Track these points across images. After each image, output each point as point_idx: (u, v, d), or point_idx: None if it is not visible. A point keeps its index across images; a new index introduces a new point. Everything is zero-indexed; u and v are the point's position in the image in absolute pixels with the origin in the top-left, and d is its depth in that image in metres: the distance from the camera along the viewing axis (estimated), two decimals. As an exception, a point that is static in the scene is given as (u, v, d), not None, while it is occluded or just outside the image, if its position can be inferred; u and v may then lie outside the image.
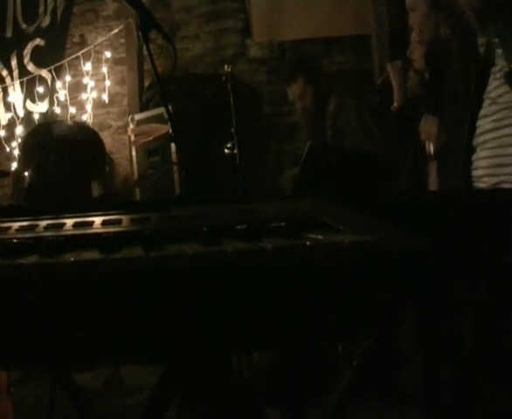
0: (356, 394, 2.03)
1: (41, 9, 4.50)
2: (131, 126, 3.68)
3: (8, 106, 4.42)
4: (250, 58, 4.35)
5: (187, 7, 4.46)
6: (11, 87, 4.41)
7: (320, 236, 0.82)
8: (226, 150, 3.88)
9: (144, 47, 2.28)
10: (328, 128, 3.38)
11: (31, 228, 1.00)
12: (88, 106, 4.30)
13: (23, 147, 3.54)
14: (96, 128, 3.60)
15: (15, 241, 0.90)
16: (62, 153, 2.96)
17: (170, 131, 2.17)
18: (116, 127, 4.47)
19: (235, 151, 3.78)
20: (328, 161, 2.71)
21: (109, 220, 1.01)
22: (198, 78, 4.32)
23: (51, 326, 0.75)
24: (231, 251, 0.75)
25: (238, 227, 0.86)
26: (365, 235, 0.80)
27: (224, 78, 3.54)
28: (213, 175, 3.98)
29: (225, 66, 3.54)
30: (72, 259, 0.75)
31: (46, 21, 4.47)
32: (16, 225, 1.03)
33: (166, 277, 0.74)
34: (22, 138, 3.96)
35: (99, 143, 3.05)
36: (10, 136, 4.34)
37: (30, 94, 4.34)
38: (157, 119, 3.31)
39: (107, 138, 3.70)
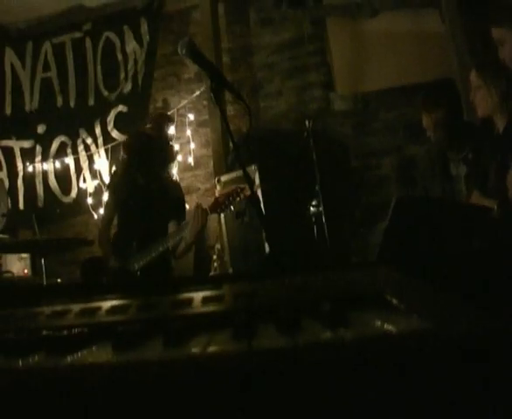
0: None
1: (122, 75, 6.09)
2: (218, 187, 4.73)
3: (94, 174, 5.95)
4: (334, 111, 5.52)
5: (268, 64, 5.77)
6: (96, 155, 5.99)
7: (371, 321, 0.91)
8: (312, 208, 5.19)
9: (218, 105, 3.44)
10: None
11: (92, 312, 1.17)
12: (174, 170, 5.57)
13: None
14: (184, 192, 5.04)
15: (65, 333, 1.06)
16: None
17: (250, 192, 2.97)
18: (204, 189, 5.73)
19: (320, 209, 5.03)
20: (419, 215, 3.36)
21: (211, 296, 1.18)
22: (282, 135, 5.47)
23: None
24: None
25: (282, 310, 0.99)
26: (429, 319, 0.85)
27: (306, 134, 4.70)
28: (299, 234, 4.86)
29: (307, 122, 4.72)
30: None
31: (128, 87, 6.06)
32: (77, 308, 1.22)
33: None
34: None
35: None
36: (98, 203, 5.82)
37: (115, 161, 5.79)
38: (243, 180, 3.98)
39: (195, 201, 4.59)
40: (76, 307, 1.25)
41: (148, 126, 4.73)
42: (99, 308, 1.22)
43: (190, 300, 1.21)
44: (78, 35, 6.40)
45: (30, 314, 1.27)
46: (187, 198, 4.48)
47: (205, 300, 1.20)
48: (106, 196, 5.40)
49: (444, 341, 0.80)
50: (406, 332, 0.85)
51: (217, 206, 3.91)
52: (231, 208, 3.89)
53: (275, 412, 0.81)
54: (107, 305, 1.25)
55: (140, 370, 0.86)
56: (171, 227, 4.15)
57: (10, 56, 6.52)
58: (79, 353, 0.98)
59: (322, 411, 0.80)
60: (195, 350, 0.93)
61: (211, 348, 0.92)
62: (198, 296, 1.23)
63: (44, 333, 1.12)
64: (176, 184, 4.49)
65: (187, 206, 4.44)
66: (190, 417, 0.83)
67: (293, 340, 0.89)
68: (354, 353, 0.81)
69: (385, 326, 0.89)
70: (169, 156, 4.56)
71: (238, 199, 3.89)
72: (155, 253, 3.99)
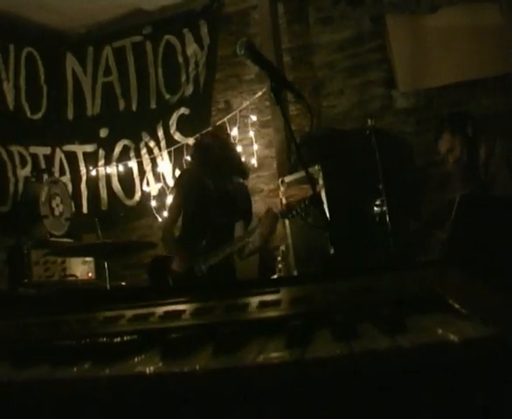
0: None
1: (183, 78, 6.55)
2: (282, 188, 5.05)
3: (157, 177, 6.39)
4: (397, 109, 5.87)
5: (329, 63, 6.15)
6: (159, 158, 6.45)
7: (434, 328, 0.94)
8: (375, 208, 5.09)
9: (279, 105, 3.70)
10: (482, 175, 4.52)
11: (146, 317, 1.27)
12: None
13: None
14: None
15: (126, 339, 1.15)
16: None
17: (312, 192, 3.19)
18: (268, 190, 6.13)
19: (384, 208, 5.02)
20: (481, 213, 3.67)
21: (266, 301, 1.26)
22: (344, 134, 5.80)
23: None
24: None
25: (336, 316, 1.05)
26: (494, 325, 0.87)
27: (368, 132, 5.03)
28: (362, 234, 5.14)
29: (369, 120, 5.06)
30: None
31: (189, 90, 6.52)
32: (130, 313, 1.31)
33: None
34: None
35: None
36: (161, 206, 6.25)
37: (178, 163, 6.24)
38: (307, 180, 4.09)
39: (259, 202, 4.98)
40: (129, 313, 1.33)
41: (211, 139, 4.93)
42: (152, 314, 1.30)
43: (246, 305, 1.26)
44: (138, 39, 6.90)
45: (82, 320, 1.36)
46: (252, 200, 4.82)
47: (261, 305, 1.25)
48: (170, 198, 5.82)
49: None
50: (470, 339, 0.86)
51: (289, 211, 4.12)
52: (303, 214, 4.02)
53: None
54: (161, 310, 1.32)
55: (184, 381, 0.93)
56: (238, 228, 4.47)
57: (71, 61, 7.03)
58: (126, 362, 1.04)
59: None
60: (245, 359, 0.95)
61: (262, 357, 0.95)
62: (255, 301, 1.28)
63: (94, 340, 1.20)
64: (243, 187, 4.77)
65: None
66: None
67: (348, 347, 0.92)
68: (412, 361, 0.85)
69: (447, 332, 0.90)
70: (241, 168, 4.79)
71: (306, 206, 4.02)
72: (223, 254, 4.30)
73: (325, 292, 1.31)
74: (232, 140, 5.55)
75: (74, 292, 5.45)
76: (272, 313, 1.20)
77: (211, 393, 0.92)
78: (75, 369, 1.05)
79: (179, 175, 4.99)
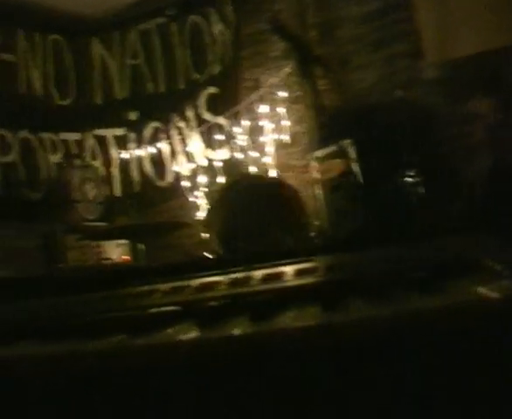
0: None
1: (210, 57, 6.78)
2: (313, 164, 5.06)
3: (188, 157, 6.63)
4: (424, 80, 5.99)
5: (355, 37, 6.31)
6: (190, 138, 6.69)
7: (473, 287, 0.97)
8: (407, 178, 5.77)
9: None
10: None
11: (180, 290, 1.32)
12: (269, 149, 6.18)
13: (216, 201, 5.00)
14: (279, 170, 5.23)
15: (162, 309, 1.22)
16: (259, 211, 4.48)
17: (347, 166, 3.49)
18: (300, 166, 6.19)
19: (416, 179, 5.66)
20: None
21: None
22: (373, 107, 5.87)
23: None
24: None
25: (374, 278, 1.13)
26: None
27: (396, 104, 5.22)
28: (395, 204, 5.89)
29: (397, 92, 5.28)
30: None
31: (217, 69, 6.77)
32: (166, 287, 1.38)
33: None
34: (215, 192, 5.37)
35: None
36: (194, 186, 6.46)
37: (209, 143, 6.49)
38: (338, 154, 4.61)
39: (290, 178, 5.06)
40: (164, 287, 1.38)
41: None
42: (187, 286, 1.34)
43: (282, 274, 1.31)
44: (163, 20, 7.14)
45: (115, 296, 1.42)
46: (284, 177, 5.06)
47: (297, 273, 1.29)
48: (202, 178, 6.20)
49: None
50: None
51: (322, 186, 4.31)
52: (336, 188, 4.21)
53: (369, 382, 0.92)
54: (197, 282, 1.36)
55: (221, 347, 0.96)
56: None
57: (97, 47, 7.29)
58: (162, 333, 1.08)
59: (417, 379, 0.90)
60: (281, 324, 1.00)
61: (298, 322, 0.99)
62: (290, 269, 1.32)
63: (127, 313, 1.25)
64: None
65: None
66: (277, 390, 0.95)
67: (384, 309, 0.96)
68: (454, 320, 0.88)
69: (488, 290, 0.92)
70: None
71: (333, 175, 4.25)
72: (263, 229, 4.43)
73: (363, 259, 1.37)
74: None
75: (108, 271, 5.62)
76: (307, 281, 1.25)
77: (248, 358, 0.98)
78: (107, 341, 1.13)
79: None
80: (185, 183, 6.71)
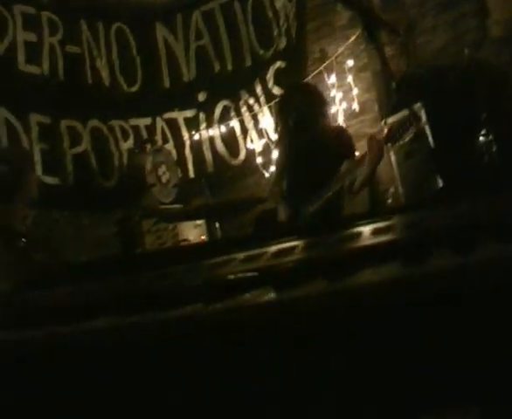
0: None
1: (275, 32, 7.14)
2: (386, 130, 5.04)
3: (260, 133, 7.03)
4: (492, 38, 6.18)
5: (420, 0, 6.58)
6: (260, 114, 7.09)
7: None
8: (481, 138, 5.47)
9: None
10: None
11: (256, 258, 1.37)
12: (340, 119, 6.50)
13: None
14: (352, 139, 5.35)
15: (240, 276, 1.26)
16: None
17: (416, 130, 3.64)
18: (372, 134, 6.18)
19: (490, 137, 5.42)
20: None
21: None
22: (442, 69, 6.13)
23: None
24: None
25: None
26: None
27: (465, 65, 5.48)
28: (470, 165, 5.53)
29: (466, 51, 5.51)
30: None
31: (283, 43, 7.13)
32: (241, 256, 1.42)
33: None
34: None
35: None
36: (267, 162, 6.84)
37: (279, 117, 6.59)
38: (410, 119, 4.69)
39: (364, 147, 5.03)
40: (240, 255, 1.42)
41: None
42: (264, 253, 1.39)
43: (359, 234, 1.34)
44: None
45: (191, 269, 1.47)
46: (356, 145, 5.31)
47: (374, 232, 1.32)
48: (275, 153, 6.38)
49: None
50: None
51: (391, 135, 4.45)
52: (405, 138, 4.39)
53: (456, 330, 0.97)
54: (273, 249, 1.41)
55: (302, 305, 1.02)
56: (345, 165, 4.73)
57: (161, 31, 7.67)
58: (240, 297, 1.14)
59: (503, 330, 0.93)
60: (360, 281, 1.05)
61: (377, 277, 1.04)
62: (367, 229, 1.35)
63: (204, 282, 1.31)
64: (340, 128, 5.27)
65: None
66: (359, 344, 1.01)
67: (465, 260, 1.00)
68: None
69: None
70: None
71: (409, 132, 4.39)
72: (330, 192, 4.64)
73: (440, 217, 1.41)
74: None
75: (183, 246, 5.73)
76: (385, 239, 1.28)
77: (327, 316, 1.05)
78: (183, 310, 1.20)
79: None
80: (259, 160, 7.11)
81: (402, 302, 1.04)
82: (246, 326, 1.12)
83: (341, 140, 5.08)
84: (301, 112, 4.96)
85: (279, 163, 5.38)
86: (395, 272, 1.10)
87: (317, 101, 5.19)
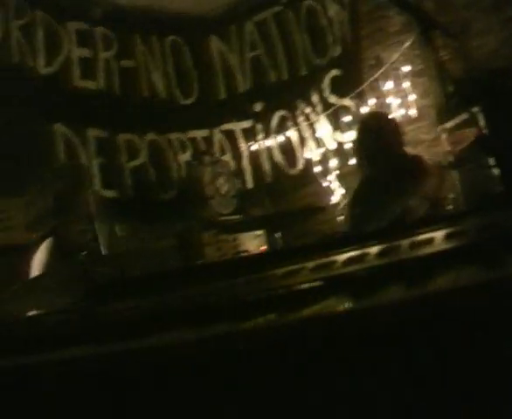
0: None
1: (329, 40, 7.34)
2: (444, 136, 5.36)
3: (318, 142, 7.23)
4: None
5: (473, 2, 6.69)
6: (317, 123, 7.29)
7: None
8: None
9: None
10: None
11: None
12: None
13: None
14: (410, 146, 5.42)
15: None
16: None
17: (477, 134, 3.80)
18: (429, 140, 6.65)
19: None
20: None
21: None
22: (498, 71, 6.08)
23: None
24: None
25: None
26: None
27: None
28: None
29: None
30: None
31: (337, 50, 7.33)
32: (311, 264, 1.44)
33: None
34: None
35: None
36: (325, 171, 7.01)
37: (337, 126, 7.07)
38: (468, 123, 4.81)
39: (421, 154, 5.39)
40: (310, 264, 1.42)
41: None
42: (334, 262, 1.39)
43: (431, 240, 1.33)
44: (278, 9, 7.78)
45: (257, 279, 1.49)
46: (413, 152, 5.33)
47: (447, 237, 1.32)
48: (333, 162, 6.78)
49: None
50: None
51: (457, 161, 4.56)
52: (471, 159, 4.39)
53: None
54: (343, 257, 1.40)
55: (378, 314, 1.03)
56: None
57: (215, 43, 7.92)
58: (316, 306, 1.14)
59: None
60: (440, 287, 1.05)
61: (461, 282, 1.05)
62: (439, 234, 1.34)
63: (271, 293, 1.30)
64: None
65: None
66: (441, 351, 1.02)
67: None
68: None
69: None
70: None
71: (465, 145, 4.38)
72: (394, 214, 4.70)
73: (506, 219, 1.39)
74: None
75: (244, 257, 5.69)
76: (460, 243, 1.29)
77: (406, 323, 1.04)
78: (255, 322, 1.20)
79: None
80: (317, 169, 7.28)
81: (485, 305, 1.03)
82: (323, 337, 1.12)
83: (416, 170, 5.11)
84: (377, 143, 5.05)
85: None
86: (476, 276, 1.11)
87: (393, 131, 5.26)
